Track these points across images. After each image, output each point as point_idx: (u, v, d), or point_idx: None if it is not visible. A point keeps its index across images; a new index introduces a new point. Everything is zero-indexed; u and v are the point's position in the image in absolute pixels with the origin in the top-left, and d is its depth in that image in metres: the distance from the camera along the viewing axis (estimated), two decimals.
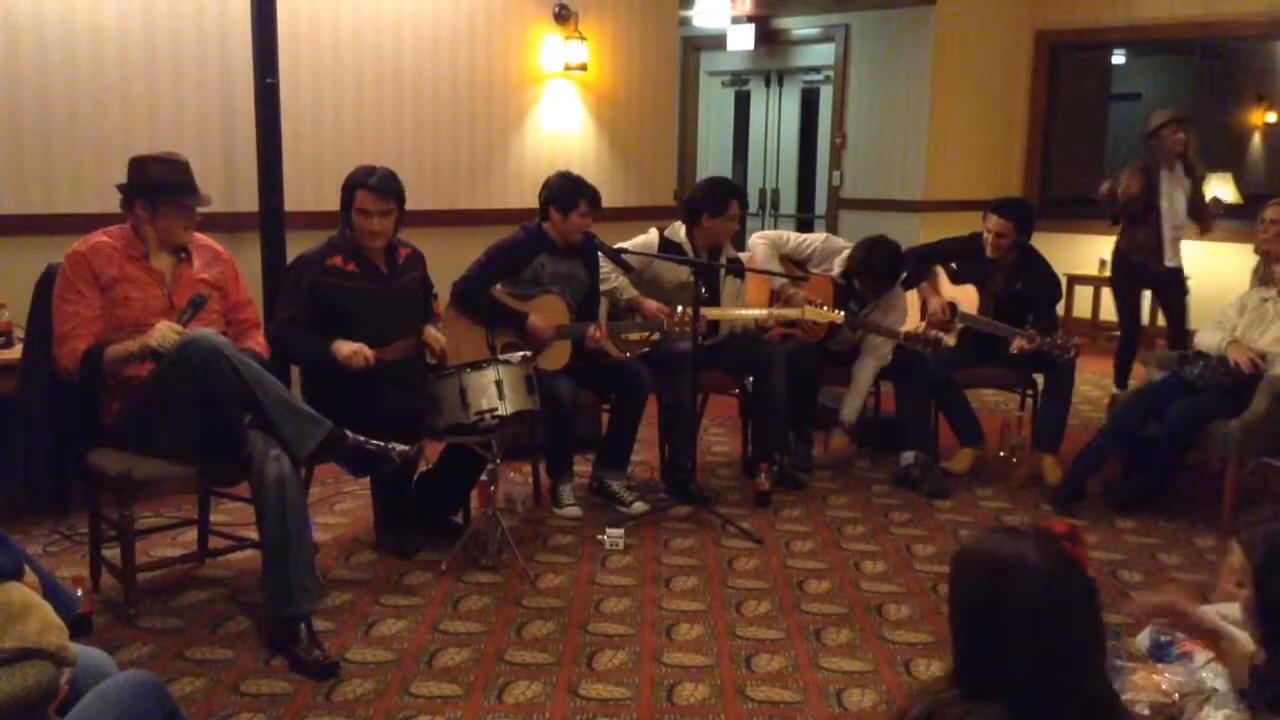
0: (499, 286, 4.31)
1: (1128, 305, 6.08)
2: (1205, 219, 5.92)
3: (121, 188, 3.38)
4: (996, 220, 4.88)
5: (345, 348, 3.60)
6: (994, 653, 1.53)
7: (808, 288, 4.78)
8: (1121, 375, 6.08)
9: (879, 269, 4.77)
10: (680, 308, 4.35)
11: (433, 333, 3.85)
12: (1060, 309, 6.88)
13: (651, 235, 4.69)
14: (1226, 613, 2.38)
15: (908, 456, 4.79)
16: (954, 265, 5.10)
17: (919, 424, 4.86)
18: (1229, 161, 8.03)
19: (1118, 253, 6.01)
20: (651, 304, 4.52)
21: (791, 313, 4.64)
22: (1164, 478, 4.46)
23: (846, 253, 4.92)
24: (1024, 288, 4.94)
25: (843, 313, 4.63)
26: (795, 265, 5.02)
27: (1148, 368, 4.90)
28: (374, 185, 3.70)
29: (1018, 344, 4.67)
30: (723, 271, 4.65)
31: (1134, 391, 4.63)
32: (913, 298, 5.12)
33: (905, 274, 4.95)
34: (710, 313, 4.51)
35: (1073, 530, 1.65)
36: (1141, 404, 4.49)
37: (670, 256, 4.52)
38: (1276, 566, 1.96)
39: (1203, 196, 5.97)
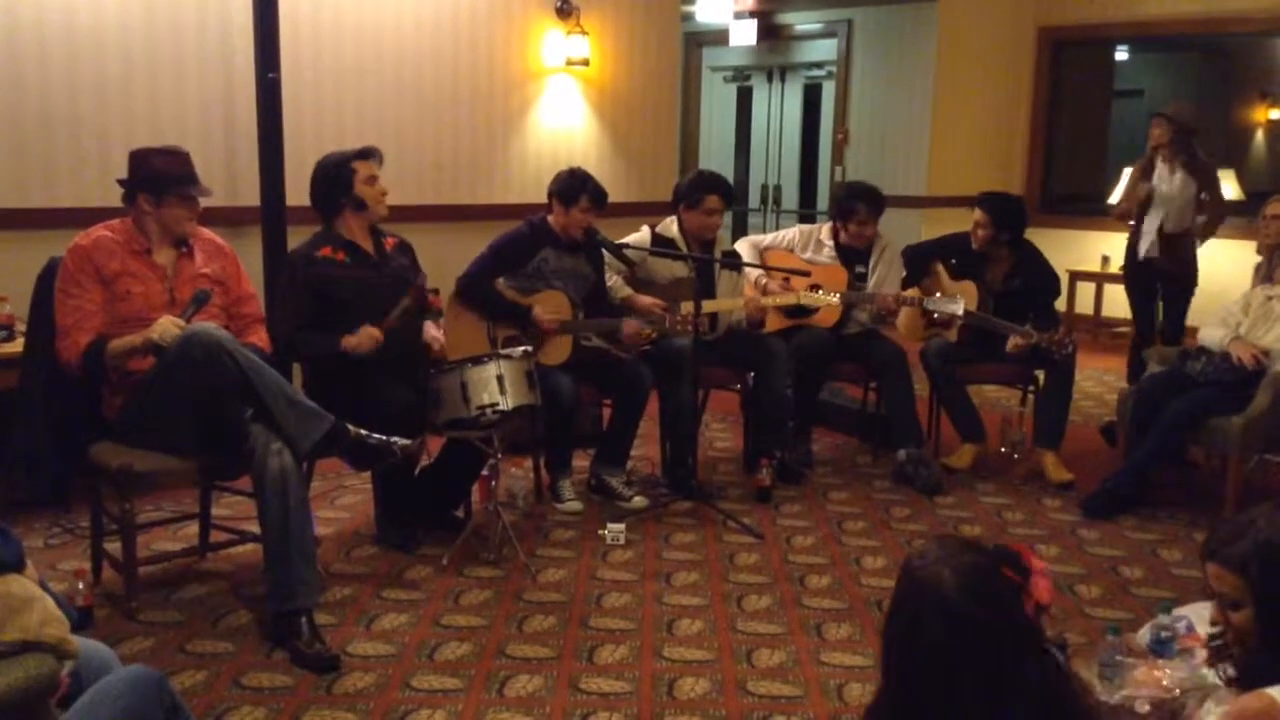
0: (502, 281, 4.31)
1: (1140, 302, 6.02)
2: (1211, 219, 5.78)
3: (123, 182, 3.38)
4: (978, 212, 4.97)
5: (354, 339, 3.62)
6: (900, 674, 1.53)
7: (819, 277, 4.77)
8: (1137, 372, 6.00)
9: (857, 196, 4.90)
10: (681, 307, 4.34)
11: (432, 333, 3.87)
12: (1062, 305, 6.87)
13: (644, 232, 4.70)
14: None
15: (901, 454, 4.80)
16: (953, 261, 5.11)
17: (907, 421, 4.84)
18: (1231, 158, 8.02)
19: (1128, 249, 5.98)
20: (646, 300, 4.52)
21: (788, 298, 4.66)
22: (1144, 476, 4.41)
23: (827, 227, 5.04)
24: (1022, 284, 4.94)
25: (837, 295, 4.65)
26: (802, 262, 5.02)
27: (1149, 364, 4.90)
28: (367, 152, 3.80)
29: (1012, 342, 4.68)
30: (717, 265, 4.65)
31: (1137, 392, 4.59)
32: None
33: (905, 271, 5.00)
34: (709, 305, 4.51)
35: (1020, 556, 1.53)
36: (1147, 401, 4.46)
37: (665, 252, 4.53)
38: (1277, 577, 1.87)
39: (1217, 203, 5.77)
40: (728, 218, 9.49)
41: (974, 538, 1.44)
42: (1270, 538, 1.84)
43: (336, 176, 3.77)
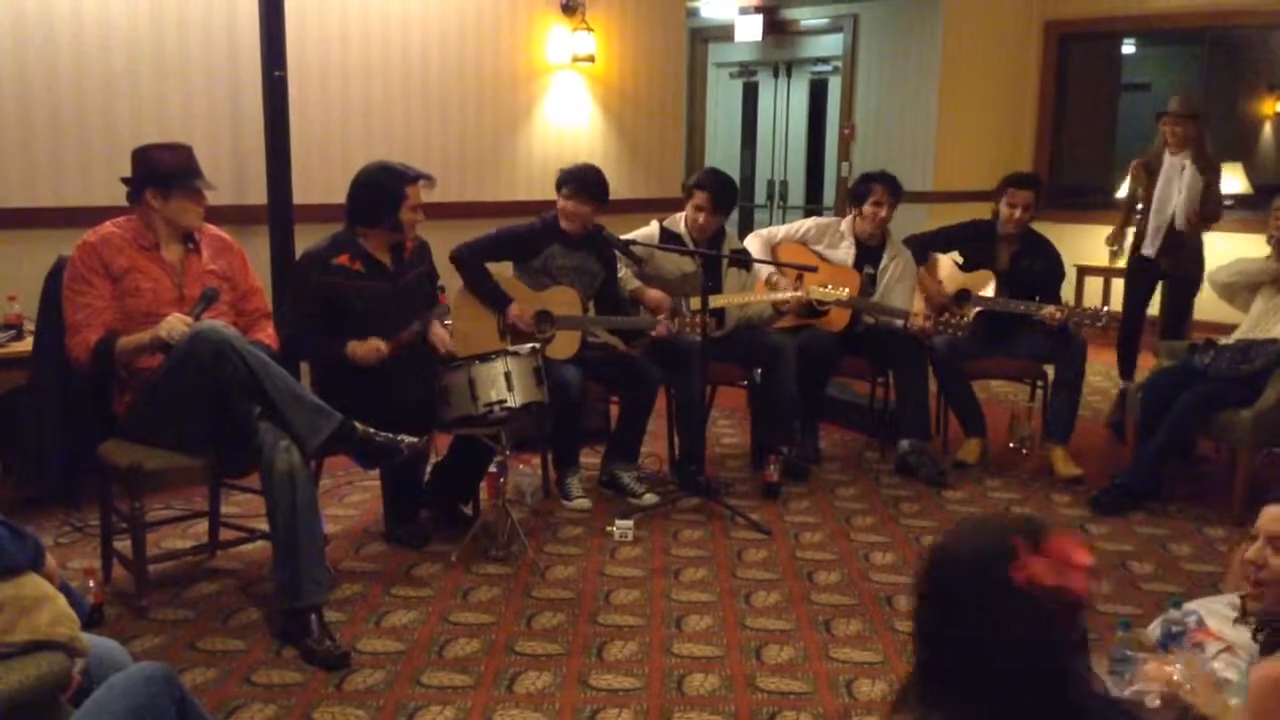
0: (513, 275, 4.33)
1: (1134, 295, 5.97)
2: (1210, 215, 5.61)
3: (127, 180, 3.39)
4: (1024, 194, 4.91)
5: (360, 348, 3.63)
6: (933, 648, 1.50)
7: (830, 276, 4.76)
8: (1127, 366, 5.95)
9: (873, 179, 4.93)
10: (693, 303, 4.34)
11: (440, 333, 3.88)
12: (1070, 299, 6.84)
13: (653, 227, 4.71)
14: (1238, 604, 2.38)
15: (904, 444, 4.80)
16: (958, 259, 5.10)
17: (916, 411, 4.83)
18: (1239, 151, 7.99)
19: (1132, 245, 5.94)
20: (654, 294, 4.52)
21: (798, 294, 4.66)
22: (1156, 472, 4.39)
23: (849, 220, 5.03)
24: (1031, 264, 4.93)
25: (847, 291, 4.65)
26: (814, 256, 4.99)
27: (1158, 358, 4.88)
28: (422, 176, 3.79)
29: (1048, 311, 4.63)
30: (725, 262, 4.65)
31: (1147, 387, 4.57)
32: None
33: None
34: (717, 300, 4.50)
35: (1040, 531, 1.48)
36: (1157, 396, 4.44)
37: (671, 248, 4.53)
38: None
39: (1214, 196, 5.56)
40: (734, 213, 9.52)
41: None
42: None
43: (389, 195, 3.73)
